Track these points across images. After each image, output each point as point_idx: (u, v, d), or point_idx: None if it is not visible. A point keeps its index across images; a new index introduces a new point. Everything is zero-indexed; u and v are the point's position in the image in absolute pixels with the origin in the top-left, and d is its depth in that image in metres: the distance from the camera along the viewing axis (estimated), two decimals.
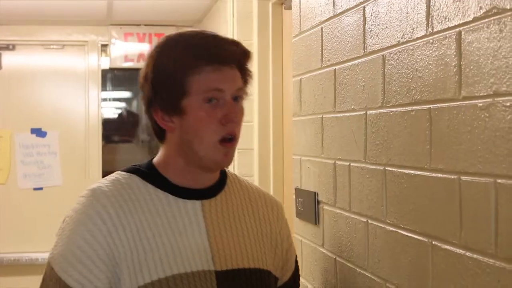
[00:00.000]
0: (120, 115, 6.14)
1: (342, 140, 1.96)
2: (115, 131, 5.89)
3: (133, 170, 1.45)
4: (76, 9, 4.64)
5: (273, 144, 3.44)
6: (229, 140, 1.42)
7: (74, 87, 5.48)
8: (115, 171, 1.49)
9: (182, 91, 1.37)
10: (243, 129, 3.60)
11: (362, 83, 1.80)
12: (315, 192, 2.19)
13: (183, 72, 1.37)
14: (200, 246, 1.40)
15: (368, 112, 1.77)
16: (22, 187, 5.35)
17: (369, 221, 1.76)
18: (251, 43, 3.56)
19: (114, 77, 5.77)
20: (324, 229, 2.13)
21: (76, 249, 1.33)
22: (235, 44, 1.44)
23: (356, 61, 1.85)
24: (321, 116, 2.14)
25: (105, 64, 5.46)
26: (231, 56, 1.41)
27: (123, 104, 6.30)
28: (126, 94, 6.27)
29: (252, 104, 3.57)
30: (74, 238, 1.34)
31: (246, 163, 3.59)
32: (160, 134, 1.47)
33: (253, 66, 3.55)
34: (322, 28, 2.13)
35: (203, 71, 1.37)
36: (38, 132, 5.49)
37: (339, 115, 1.99)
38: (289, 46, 3.29)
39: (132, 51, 5.15)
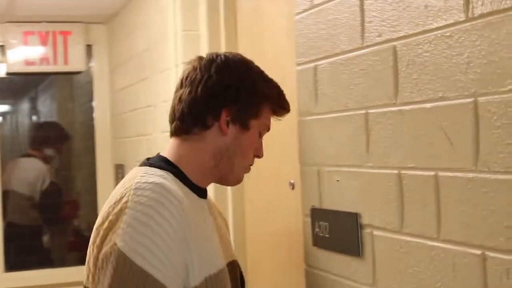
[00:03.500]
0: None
1: (415, 142, 1.43)
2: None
3: (164, 168, 1.43)
4: None
5: None
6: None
7: None
8: None
9: (257, 112, 1.48)
10: None
11: (465, 57, 1.29)
12: (357, 214, 1.64)
13: (264, 98, 1.48)
14: (216, 242, 1.46)
15: (479, 99, 1.25)
16: None
17: (488, 254, 1.24)
18: (198, 34, 2.95)
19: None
20: (375, 262, 1.59)
21: (158, 240, 1.29)
22: None
23: (459, 27, 1.33)
24: (364, 111, 1.61)
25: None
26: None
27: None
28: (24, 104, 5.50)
29: None
30: (155, 229, 1.30)
31: None
32: (194, 127, 1.45)
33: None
34: None
35: (270, 109, 1.50)
36: None
37: (406, 107, 1.46)
38: (245, 32, 2.72)
39: (33, 53, 4.32)
